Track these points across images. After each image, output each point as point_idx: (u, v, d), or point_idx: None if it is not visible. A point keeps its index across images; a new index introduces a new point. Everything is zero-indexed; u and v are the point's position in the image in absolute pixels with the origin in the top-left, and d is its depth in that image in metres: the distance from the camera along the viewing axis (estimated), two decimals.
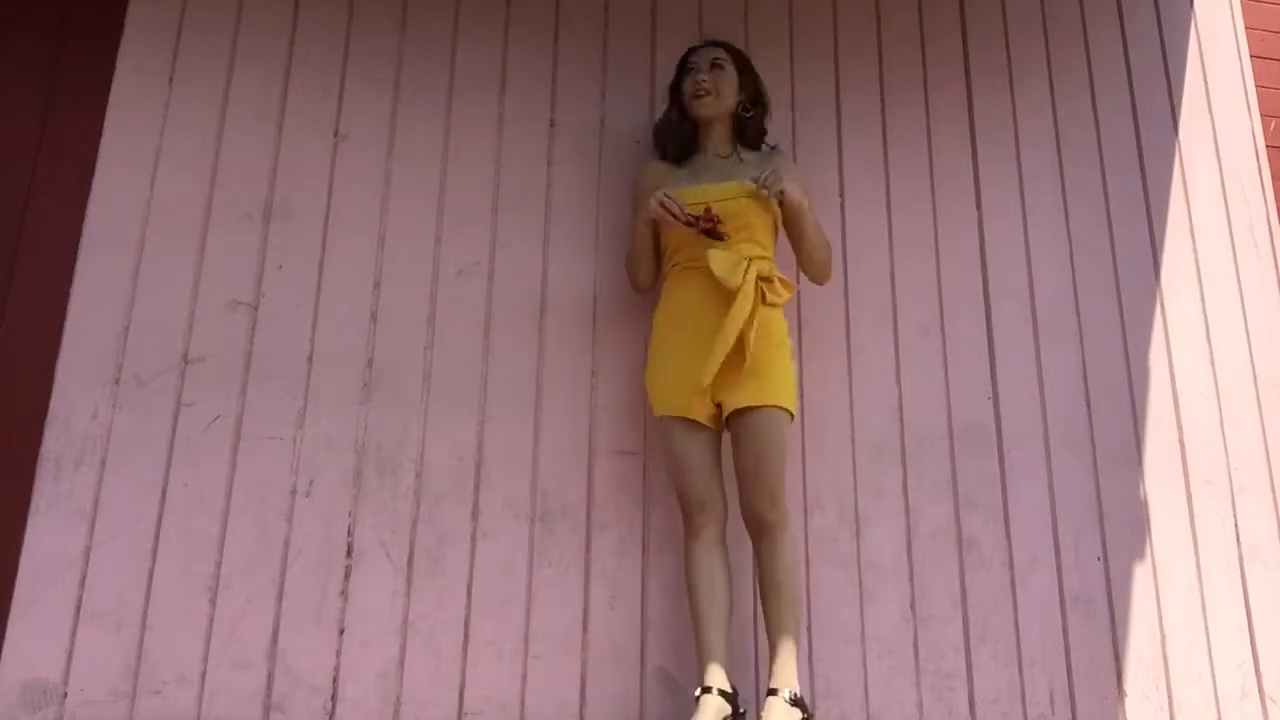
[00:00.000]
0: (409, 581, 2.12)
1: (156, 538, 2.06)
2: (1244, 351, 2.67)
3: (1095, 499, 2.46)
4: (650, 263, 2.23)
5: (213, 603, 2.04)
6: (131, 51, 2.34)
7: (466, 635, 2.11)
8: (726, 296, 2.03)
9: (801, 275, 2.32)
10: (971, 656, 2.29)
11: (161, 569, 2.04)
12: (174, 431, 2.12)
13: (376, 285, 2.30)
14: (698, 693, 1.92)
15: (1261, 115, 2.92)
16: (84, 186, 2.23)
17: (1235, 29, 3.00)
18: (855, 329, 2.46)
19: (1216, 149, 2.85)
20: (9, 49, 2.31)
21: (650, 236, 2.20)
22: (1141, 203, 2.75)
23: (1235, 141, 2.88)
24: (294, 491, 2.13)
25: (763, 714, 1.90)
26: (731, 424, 2.08)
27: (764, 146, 2.34)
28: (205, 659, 2.00)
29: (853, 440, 2.39)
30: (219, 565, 2.06)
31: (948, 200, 2.63)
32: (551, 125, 2.50)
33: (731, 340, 1.99)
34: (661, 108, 2.40)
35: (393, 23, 2.49)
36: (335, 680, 2.04)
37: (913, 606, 2.30)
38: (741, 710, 1.95)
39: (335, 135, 2.38)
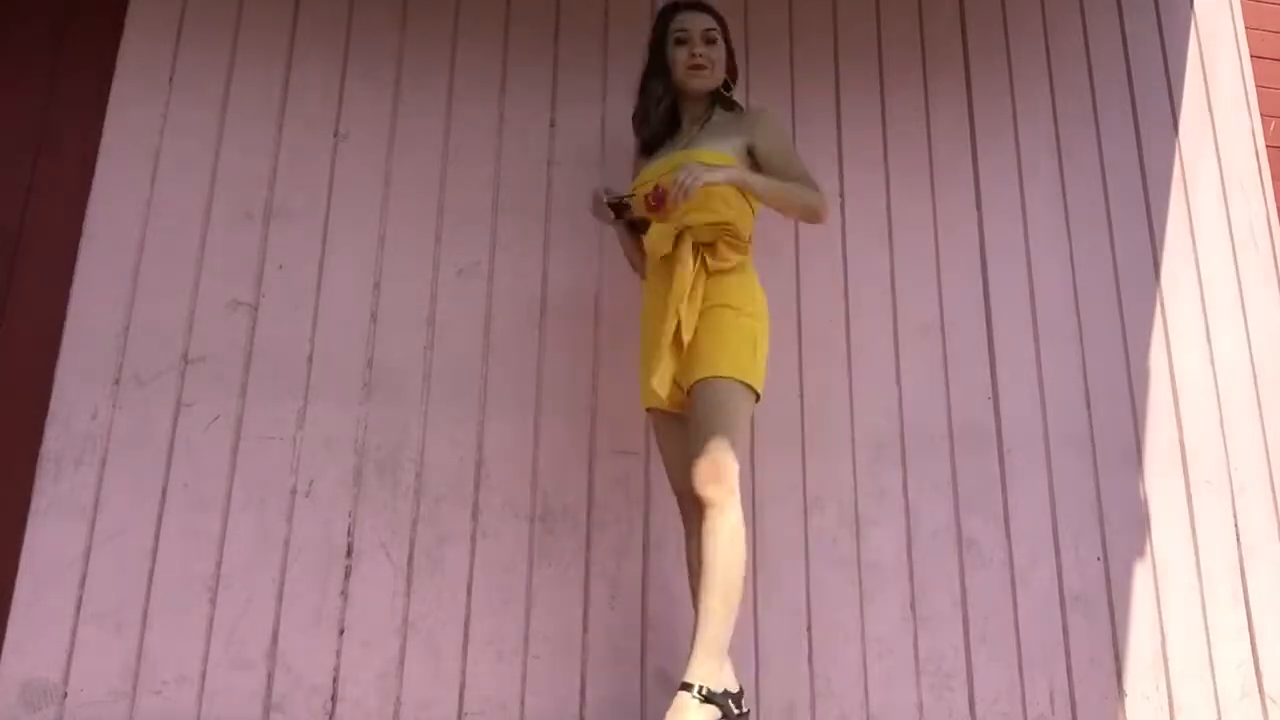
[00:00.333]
0: (409, 581, 2.12)
1: (156, 538, 2.06)
2: (1244, 351, 2.67)
3: (1095, 499, 2.46)
4: (634, 247, 2.17)
5: (213, 603, 2.04)
6: (131, 51, 2.34)
7: (466, 635, 2.11)
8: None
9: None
10: (971, 656, 2.29)
11: (161, 569, 2.04)
12: (174, 431, 2.12)
13: (376, 285, 2.29)
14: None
15: (1261, 115, 2.92)
16: (84, 186, 2.23)
17: (1235, 29, 3.00)
18: (855, 329, 2.46)
19: (1216, 149, 2.85)
20: (9, 49, 2.31)
21: (625, 236, 2.17)
22: (1141, 203, 2.75)
23: (1235, 141, 2.88)
24: (294, 491, 2.13)
25: (668, 713, 1.71)
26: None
27: (737, 108, 2.17)
28: (205, 659, 2.00)
29: (853, 440, 2.39)
30: (219, 565, 2.06)
31: (948, 200, 2.63)
32: (551, 125, 2.50)
33: (672, 321, 1.88)
34: None
35: (393, 22, 2.49)
36: (335, 680, 2.04)
37: (913, 606, 2.30)
38: (744, 710, 1.93)
39: (335, 135, 2.38)
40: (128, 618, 2.00)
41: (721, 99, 2.16)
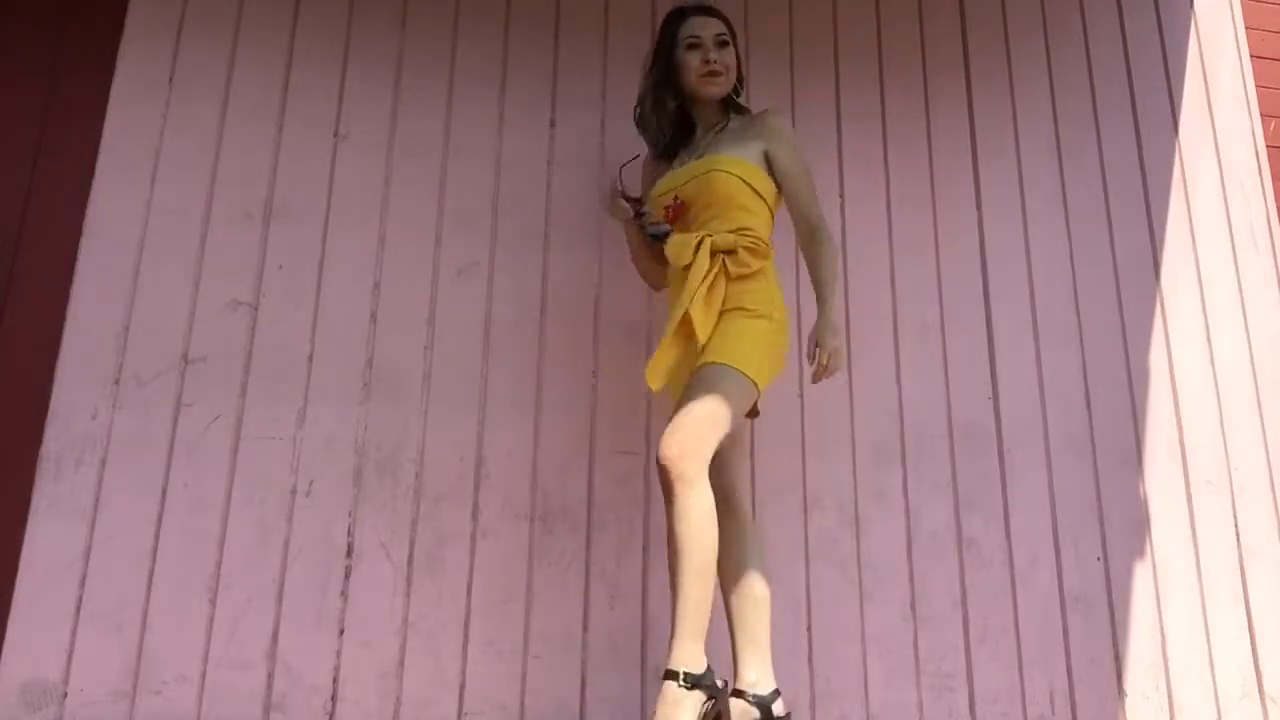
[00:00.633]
0: (409, 581, 2.12)
1: (156, 538, 2.05)
2: (1244, 351, 2.67)
3: (1095, 499, 2.46)
4: (649, 256, 2.16)
5: (213, 603, 2.04)
6: (131, 51, 2.34)
7: (466, 635, 2.11)
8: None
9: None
10: (971, 656, 2.29)
11: (161, 569, 2.04)
12: (174, 431, 2.12)
13: (376, 285, 2.29)
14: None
15: (1261, 115, 2.92)
16: (84, 186, 2.23)
17: (1235, 29, 3.00)
18: (855, 329, 2.46)
19: (1216, 149, 2.85)
20: (9, 49, 2.31)
21: (641, 242, 2.16)
22: (1141, 203, 2.75)
23: (1235, 141, 2.88)
24: (294, 491, 2.13)
25: (657, 705, 1.70)
26: None
27: (745, 111, 2.17)
28: (205, 659, 2.00)
29: (853, 440, 2.39)
30: (219, 565, 2.06)
31: (948, 200, 2.63)
32: (551, 125, 2.50)
33: (680, 310, 1.89)
34: None
35: (393, 22, 2.49)
36: (335, 680, 2.04)
37: (913, 606, 2.30)
38: (786, 714, 1.87)
39: (335, 135, 2.38)
40: (128, 618, 2.00)
41: (733, 103, 2.15)
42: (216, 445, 2.13)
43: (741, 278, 1.94)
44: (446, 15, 2.52)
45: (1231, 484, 2.55)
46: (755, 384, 1.87)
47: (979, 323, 2.55)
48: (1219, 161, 2.85)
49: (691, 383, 1.85)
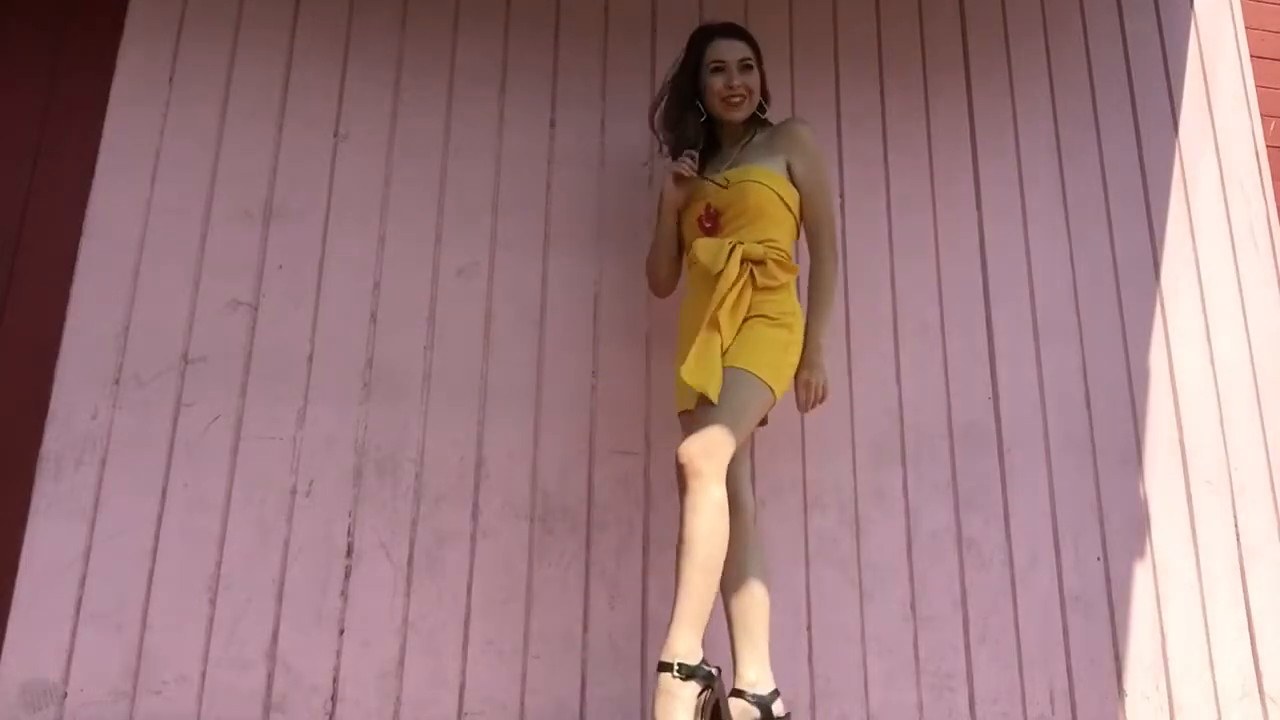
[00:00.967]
0: (409, 581, 2.12)
1: (156, 538, 2.06)
2: (1244, 351, 2.67)
3: (1095, 499, 2.46)
4: (671, 257, 2.18)
5: (213, 603, 2.04)
6: (131, 51, 2.34)
7: (466, 635, 2.11)
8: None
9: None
10: (971, 656, 2.29)
11: (161, 569, 2.04)
12: (174, 431, 2.12)
13: (376, 285, 2.29)
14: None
15: (1261, 115, 2.92)
16: (84, 186, 2.23)
17: (1235, 29, 3.00)
18: (855, 329, 2.46)
19: (1216, 149, 2.85)
20: (9, 49, 2.31)
21: (672, 225, 2.16)
22: (1141, 203, 2.75)
23: (1235, 141, 2.88)
24: (294, 491, 2.13)
25: (654, 698, 1.72)
26: None
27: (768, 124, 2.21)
28: (205, 659, 2.00)
29: (853, 440, 2.39)
30: (219, 565, 2.06)
31: (948, 200, 2.63)
32: (551, 125, 2.50)
33: (705, 324, 1.92)
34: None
35: (393, 22, 2.49)
36: (335, 680, 2.04)
37: (913, 606, 2.30)
38: (786, 714, 1.88)
39: (335, 135, 2.38)
40: (128, 618, 2.00)
41: (757, 120, 2.18)
42: (216, 445, 2.13)
43: (766, 289, 1.99)
44: (446, 15, 2.52)
45: (1231, 484, 2.55)
46: (774, 392, 1.91)
47: (979, 323, 2.55)
48: (1219, 161, 2.85)
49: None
